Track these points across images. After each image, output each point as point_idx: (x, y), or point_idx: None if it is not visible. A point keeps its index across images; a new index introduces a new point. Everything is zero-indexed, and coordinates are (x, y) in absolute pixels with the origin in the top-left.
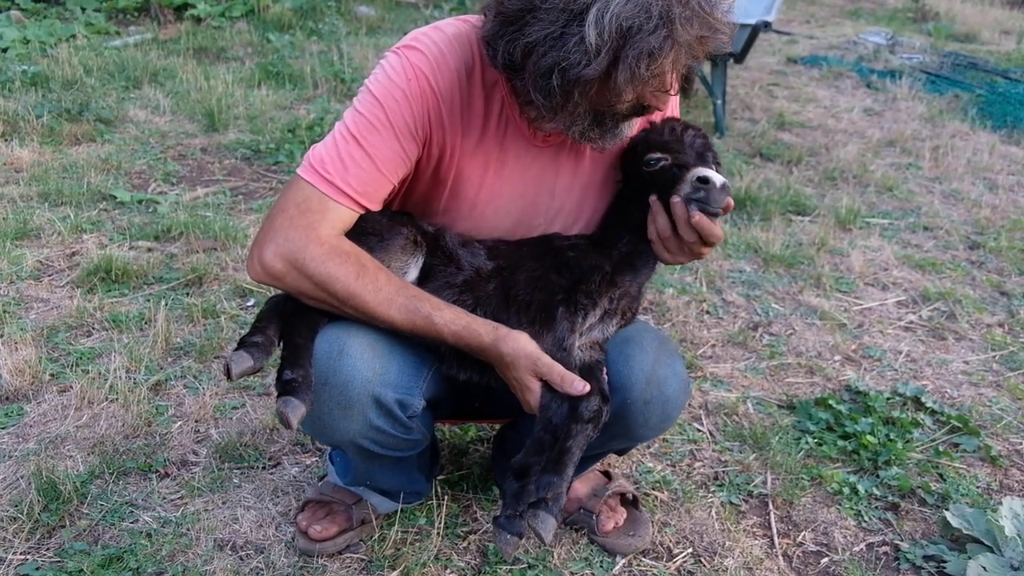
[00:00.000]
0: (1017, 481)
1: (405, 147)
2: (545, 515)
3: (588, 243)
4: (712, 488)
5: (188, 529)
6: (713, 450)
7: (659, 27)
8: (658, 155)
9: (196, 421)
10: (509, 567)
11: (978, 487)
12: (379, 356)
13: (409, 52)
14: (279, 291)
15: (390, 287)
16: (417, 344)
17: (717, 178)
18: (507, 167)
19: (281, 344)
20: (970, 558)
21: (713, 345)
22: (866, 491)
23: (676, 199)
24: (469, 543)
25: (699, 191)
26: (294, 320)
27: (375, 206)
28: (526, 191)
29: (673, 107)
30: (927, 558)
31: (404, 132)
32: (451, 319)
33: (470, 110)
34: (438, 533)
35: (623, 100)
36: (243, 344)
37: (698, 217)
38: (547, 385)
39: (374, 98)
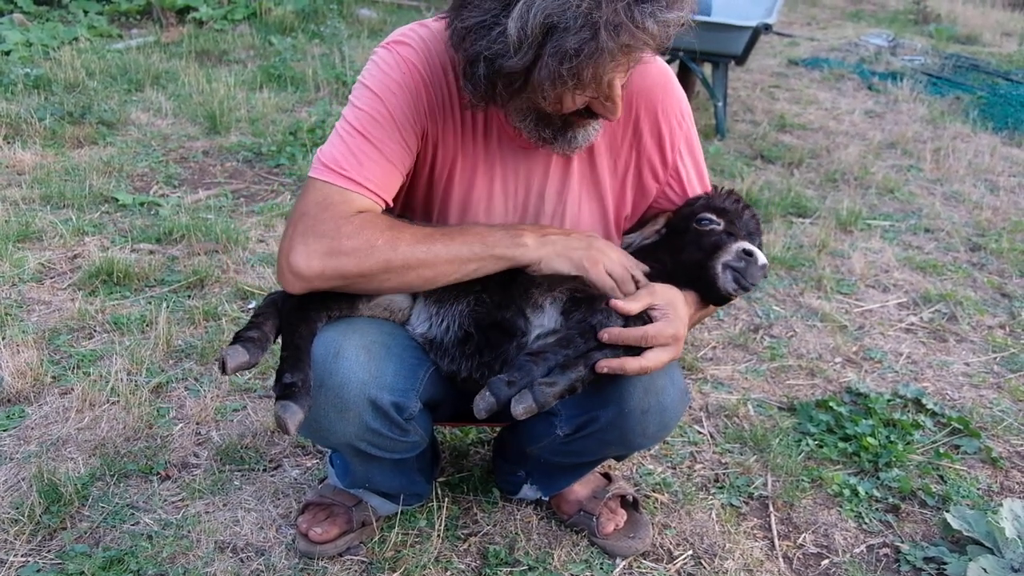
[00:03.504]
0: (1018, 483)
1: (406, 138)
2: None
3: None
4: (712, 490)
5: (189, 531)
6: (713, 452)
7: (583, 28)
8: (713, 217)
9: (197, 423)
10: (509, 569)
11: (979, 489)
12: (375, 359)
13: (398, 47)
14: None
15: (422, 227)
16: (414, 346)
17: (761, 256)
18: (496, 167)
19: (280, 343)
20: (971, 560)
21: (714, 347)
22: (867, 493)
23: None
24: (469, 545)
25: (741, 261)
26: (293, 320)
27: (390, 200)
28: (516, 193)
29: (700, 175)
30: (928, 560)
31: (404, 124)
32: (489, 226)
33: (461, 107)
34: (438, 535)
35: (553, 101)
36: (238, 339)
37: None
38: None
39: (372, 92)
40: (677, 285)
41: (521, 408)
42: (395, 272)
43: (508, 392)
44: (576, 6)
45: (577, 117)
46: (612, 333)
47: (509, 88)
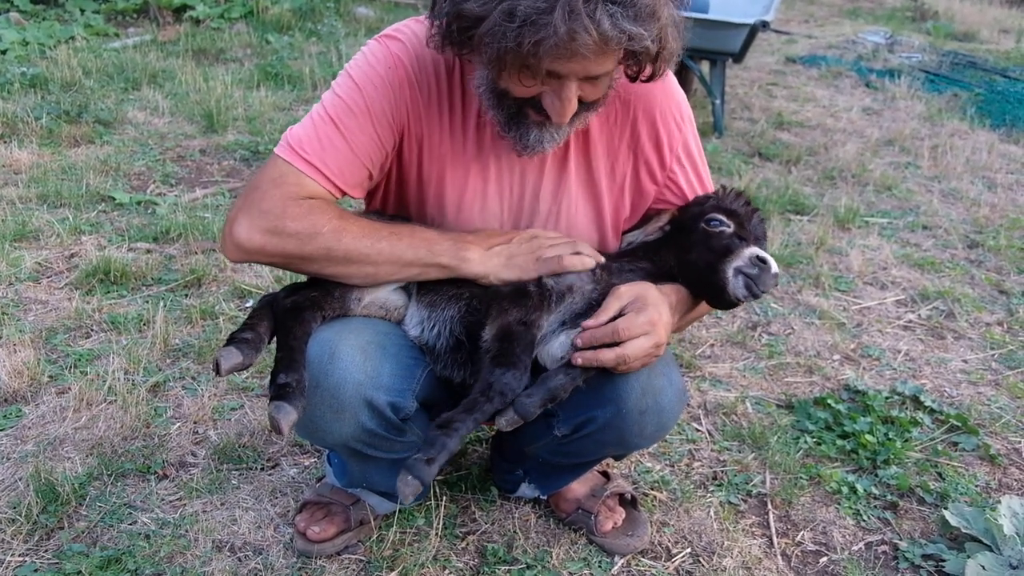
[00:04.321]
0: (1016, 480)
1: (380, 134)
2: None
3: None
4: (711, 488)
5: (187, 530)
6: (712, 450)
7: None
8: (723, 219)
9: (194, 422)
10: (508, 567)
11: (977, 486)
12: (370, 359)
13: (390, 41)
14: (275, 290)
15: (374, 222)
16: (410, 346)
17: (774, 264)
18: (490, 167)
19: (275, 345)
20: (969, 557)
21: (712, 345)
22: (865, 490)
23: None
24: (467, 544)
25: (755, 267)
26: (288, 321)
27: (352, 191)
28: (511, 193)
29: (700, 178)
30: (926, 557)
31: (380, 119)
32: (440, 232)
33: (450, 106)
34: (436, 534)
35: (492, 64)
36: (233, 340)
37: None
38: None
39: (353, 82)
40: (681, 284)
41: (504, 421)
42: (336, 262)
43: (430, 471)
44: None
45: (531, 110)
46: (584, 337)
47: (462, 34)
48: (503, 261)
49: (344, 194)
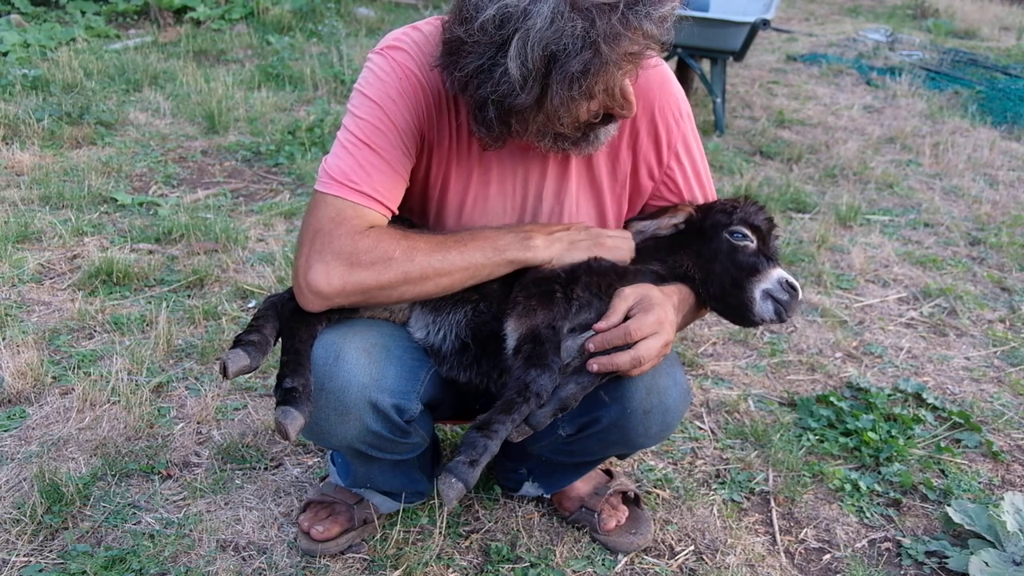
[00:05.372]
0: (1019, 476)
1: (408, 145)
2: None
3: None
4: (714, 486)
5: (191, 530)
6: (715, 448)
7: (583, 49)
8: (748, 233)
9: (198, 423)
10: (511, 566)
11: (980, 483)
12: (375, 361)
13: (393, 52)
14: (279, 290)
15: (435, 235)
16: (415, 347)
17: (801, 290)
18: (492, 169)
19: (281, 348)
20: (972, 553)
21: (714, 343)
22: (868, 488)
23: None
24: (471, 542)
25: (785, 293)
26: (293, 324)
27: (396, 209)
28: (514, 194)
29: (697, 174)
30: (929, 554)
31: (406, 130)
32: (496, 229)
33: (455, 110)
34: (440, 533)
35: (570, 122)
36: (239, 342)
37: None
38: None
39: (371, 101)
40: (692, 288)
41: (515, 432)
42: (413, 283)
43: (473, 473)
44: (571, 30)
45: (593, 124)
46: (596, 341)
47: (524, 123)
48: (565, 246)
49: (394, 213)
